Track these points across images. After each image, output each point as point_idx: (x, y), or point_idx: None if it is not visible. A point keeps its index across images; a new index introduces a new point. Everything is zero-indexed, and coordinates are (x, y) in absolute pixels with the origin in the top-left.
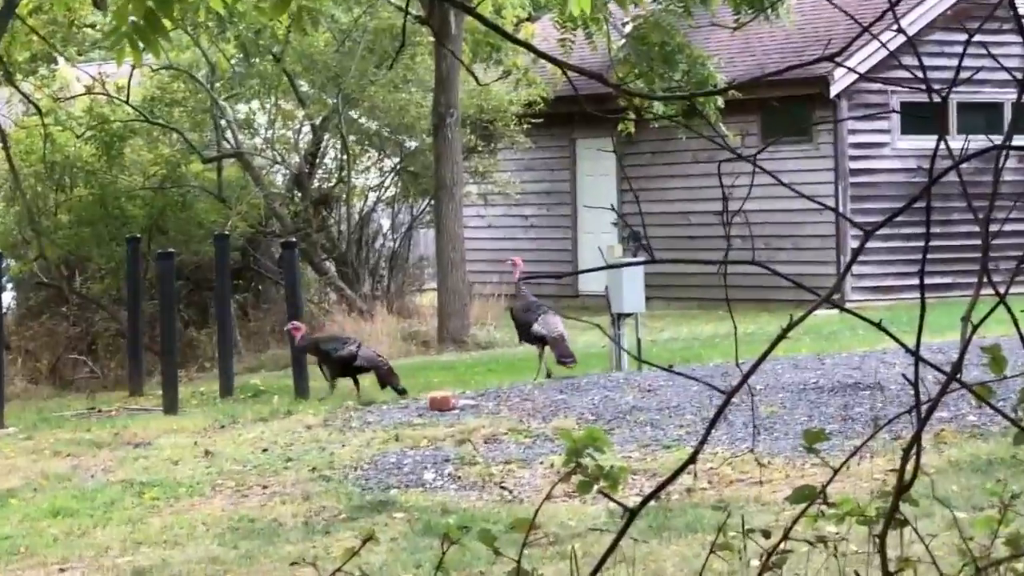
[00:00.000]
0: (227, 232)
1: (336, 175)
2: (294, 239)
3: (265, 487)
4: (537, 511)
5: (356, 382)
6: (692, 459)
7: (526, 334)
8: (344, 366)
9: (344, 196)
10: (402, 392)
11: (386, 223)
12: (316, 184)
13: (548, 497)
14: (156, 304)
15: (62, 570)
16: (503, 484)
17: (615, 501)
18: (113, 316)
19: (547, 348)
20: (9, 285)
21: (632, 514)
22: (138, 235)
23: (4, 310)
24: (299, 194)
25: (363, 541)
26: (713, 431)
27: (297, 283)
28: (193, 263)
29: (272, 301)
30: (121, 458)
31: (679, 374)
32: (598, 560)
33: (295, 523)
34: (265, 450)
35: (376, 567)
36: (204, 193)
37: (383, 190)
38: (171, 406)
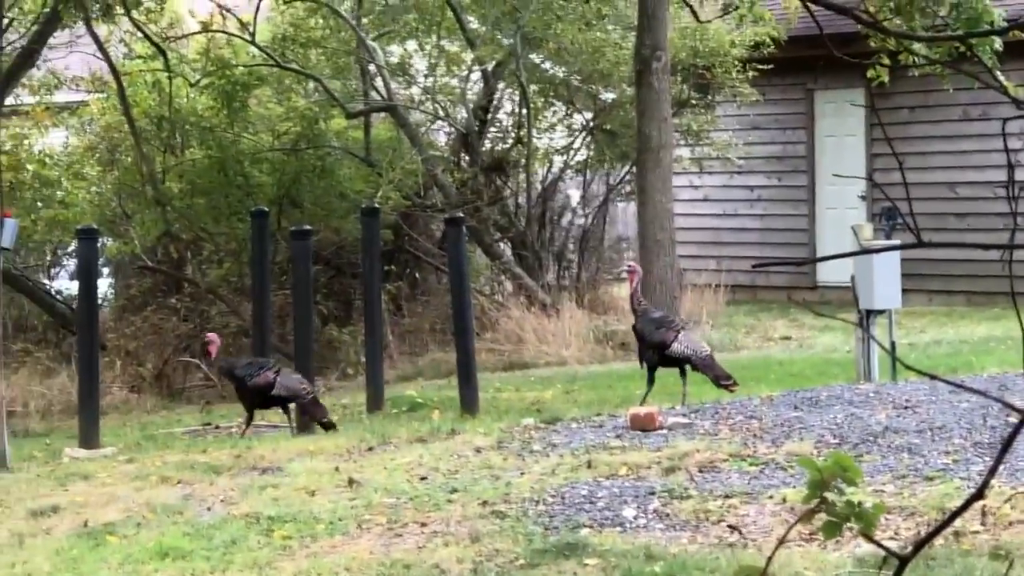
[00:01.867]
0: (376, 205)
1: (513, 134)
2: (460, 214)
3: (424, 525)
4: (771, 558)
5: (286, 411)
6: (979, 495)
7: (661, 356)
8: (260, 395)
9: (523, 161)
10: (328, 427)
11: (575, 195)
12: (488, 146)
13: (783, 541)
14: (287, 294)
15: None
16: (724, 523)
17: (882, 547)
18: (234, 309)
19: (684, 371)
20: (106, 270)
21: (903, 563)
22: (265, 208)
23: (100, 301)
24: (467, 158)
25: None
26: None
27: (464, 269)
28: (334, 243)
29: (432, 292)
30: (244, 487)
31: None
32: None
33: (461, 570)
34: (424, 478)
35: None
36: (348, 156)
37: (572, 153)
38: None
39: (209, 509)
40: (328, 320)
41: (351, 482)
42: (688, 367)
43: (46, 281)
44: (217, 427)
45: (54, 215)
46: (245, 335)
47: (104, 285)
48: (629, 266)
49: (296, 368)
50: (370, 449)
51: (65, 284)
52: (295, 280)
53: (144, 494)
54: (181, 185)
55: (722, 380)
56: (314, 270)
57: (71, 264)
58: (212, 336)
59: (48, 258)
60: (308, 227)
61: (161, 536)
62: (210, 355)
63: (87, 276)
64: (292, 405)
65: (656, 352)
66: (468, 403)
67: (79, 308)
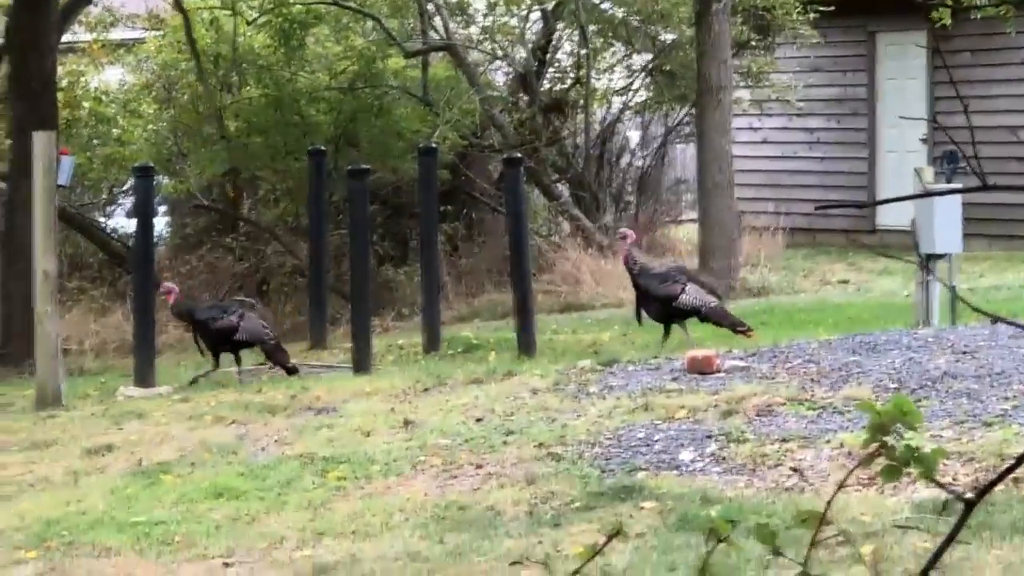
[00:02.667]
0: (434, 145)
1: (572, 75)
2: (519, 154)
3: (479, 467)
4: (829, 503)
5: (237, 358)
6: None
7: (670, 309)
8: (223, 339)
9: (582, 101)
10: (292, 371)
11: (634, 136)
12: (546, 86)
13: (842, 485)
14: (344, 234)
15: (226, 564)
16: (781, 467)
17: (948, 490)
18: (290, 249)
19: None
20: (162, 209)
21: (969, 507)
22: (322, 147)
23: (155, 240)
24: (525, 98)
25: (608, 537)
26: None
27: (522, 210)
28: (391, 183)
29: (489, 233)
30: (299, 427)
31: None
32: (904, 565)
33: (516, 512)
34: (479, 420)
35: (619, 569)
36: (405, 96)
37: (631, 94)
38: (362, 363)
39: (263, 449)
40: (384, 260)
41: (406, 423)
42: (698, 318)
43: (102, 219)
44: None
45: (110, 153)
46: (301, 275)
47: (160, 223)
48: (621, 232)
49: (352, 308)
50: (426, 390)
51: (121, 222)
52: (351, 220)
53: (198, 433)
54: (238, 124)
55: (738, 327)
56: (371, 210)
57: (127, 202)
58: (168, 286)
59: (104, 196)
60: (365, 166)
61: (215, 475)
62: (170, 301)
63: (143, 214)
64: (245, 350)
65: (664, 305)
66: (525, 344)
67: (135, 247)
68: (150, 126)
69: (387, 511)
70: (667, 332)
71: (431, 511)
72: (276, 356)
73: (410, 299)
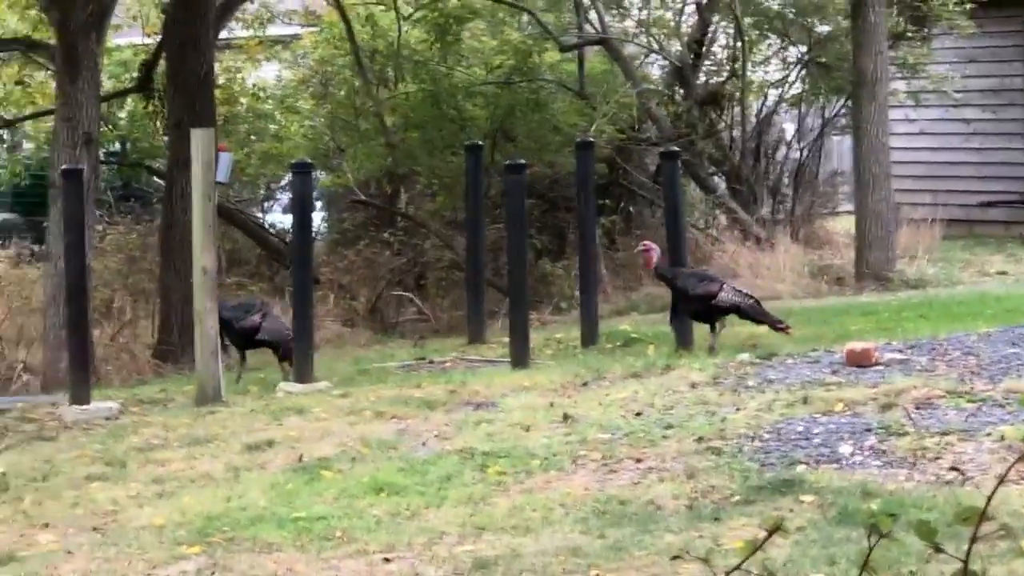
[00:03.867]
0: (591, 139)
1: (728, 67)
2: (675, 148)
3: (639, 461)
4: (990, 497)
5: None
6: None
7: (708, 307)
8: (246, 338)
9: (738, 94)
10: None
11: (790, 128)
12: (702, 79)
13: (1003, 479)
14: (501, 228)
15: (387, 559)
16: (941, 460)
17: None
18: (447, 243)
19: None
20: (319, 204)
21: None
22: (479, 142)
23: (313, 235)
24: (681, 91)
25: (769, 532)
26: None
27: (679, 203)
28: (548, 177)
29: (646, 226)
30: (459, 422)
31: None
32: None
33: (676, 507)
34: (639, 414)
35: (779, 563)
36: (562, 90)
37: (787, 87)
38: (520, 357)
39: (424, 444)
40: (542, 254)
41: (566, 417)
42: (737, 315)
43: (260, 215)
44: (431, 361)
45: (268, 148)
46: (458, 269)
47: (317, 219)
48: (644, 245)
49: (510, 302)
50: (584, 384)
51: (278, 218)
52: (509, 214)
53: (358, 429)
54: (394, 119)
55: (777, 325)
56: (528, 204)
57: (284, 198)
58: None
59: (262, 192)
60: (522, 161)
61: (376, 471)
62: None
63: (301, 210)
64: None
65: (703, 303)
66: (683, 338)
67: (293, 242)
68: (307, 122)
69: (547, 506)
70: (713, 329)
71: (591, 505)
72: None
73: (568, 293)
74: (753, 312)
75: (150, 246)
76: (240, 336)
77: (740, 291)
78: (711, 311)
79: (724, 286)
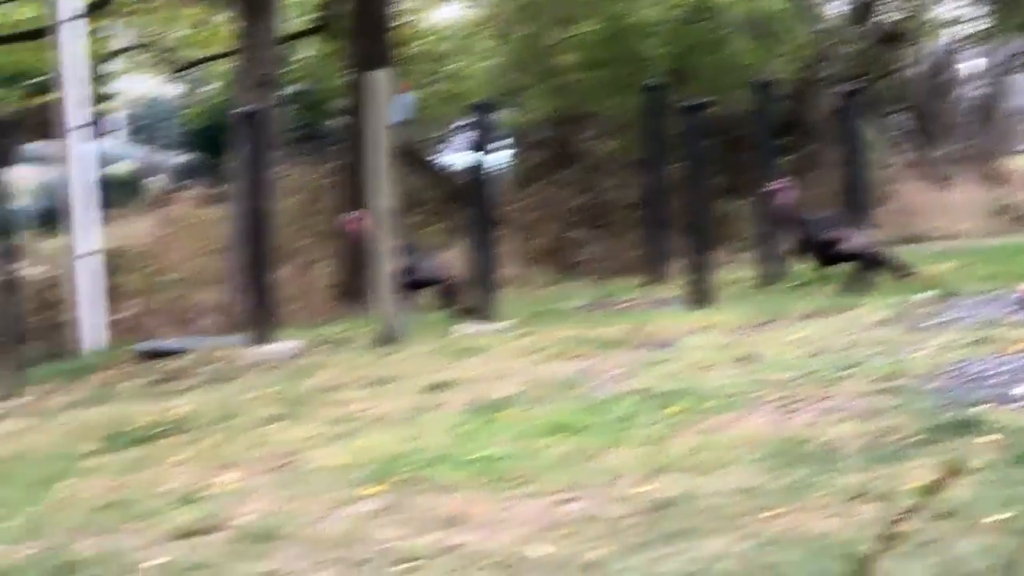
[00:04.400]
0: (770, 79)
1: (906, 6)
2: (854, 86)
3: (816, 401)
4: None
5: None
6: None
7: (832, 254)
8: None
9: (917, 31)
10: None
11: (970, 66)
12: (881, 17)
13: None
14: (681, 168)
15: (565, 500)
16: None
17: None
18: (627, 183)
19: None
20: (499, 144)
21: None
22: (658, 81)
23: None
24: (860, 30)
25: (948, 474)
26: None
27: (858, 142)
28: (728, 117)
29: (825, 165)
30: (638, 362)
31: None
32: None
33: (854, 447)
34: (817, 354)
35: (957, 504)
36: (740, 29)
37: (967, 24)
38: (700, 297)
39: (603, 384)
40: (722, 193)
41: (744, 358)
42: (862, 263)
43: (440, 155)
44: (611, 302)
45: (447, 89)
46: (638, 209)
47: (498, 159)
48: (779, 183)
49: (689, 242)
50: (763, 324)
51: (461, 157)
52: (688, 154)
53: (538, 369)
54: (574, 58)
55: (901, 270)
56: (708, 143)
57: (464, 138)
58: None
59: (442, 132)
60: (701, 101)
61: (554, 411)
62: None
63: (480, 150)
64: None
65: (828, 249)
66: (858, 278)
67: (472, 182)
68: (487, 62)
69: (725, 446)
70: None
71: (769, 446)
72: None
73: (747, 232)
74: (878, 258)
75: (332, 186)
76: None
77: (866, 237)
78: (834, 258)
79: (848, 232)
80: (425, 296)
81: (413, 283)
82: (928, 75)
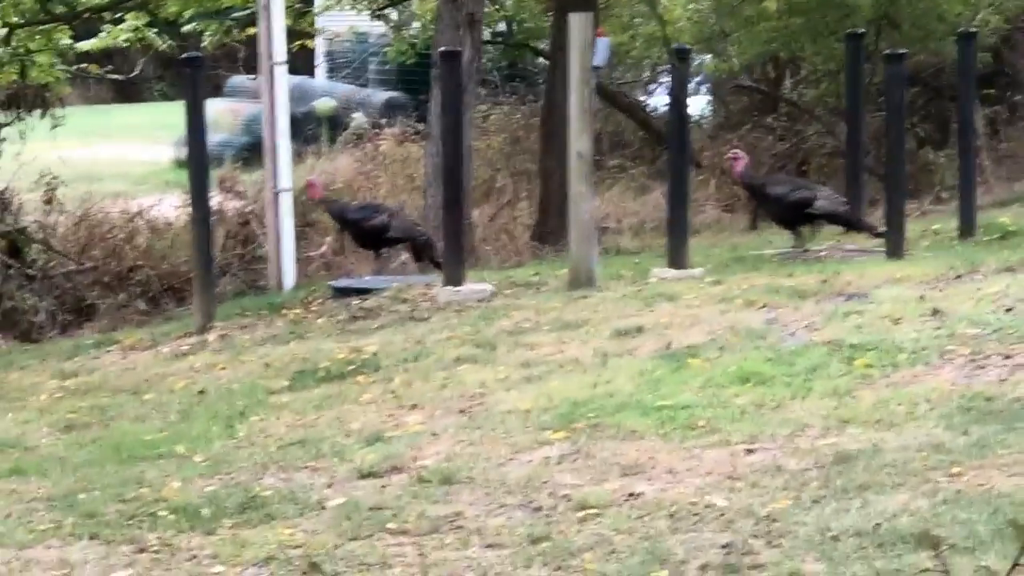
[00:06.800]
0: (974, 29)
1: None
2: None
3: (1008, 357)
4: None
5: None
6: None
7: (803, 214)
8: (375, 237)
9: None
10: (439, 265)
11: None
12: None
13: None
14: (883, 116)
15: (749, 450)
16: None
17: None
18: (829, 130)
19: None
20: (703, 88)
21: None
22: (862, 30)
23: (695, 119)
24: None
25: None
26: None
27: None
28: (932, 66)
29: None
30: (829, 313)
31: None
32: None
33: None
34: (1009, 310)
35: None
36: None
37: None
38: (896, 247)
39: (792, 334)
40: (924, 143)
41: (936, 311)
42: (830, 222)
43: (643, 97)
44: (807, 251)
45: (652, 31)
46: (840, 156)
47: (701, 103)
48: (733, 153)
49: (887, 192)
50: (958, 277)
51: (663, 101)
52: (888, 104)
53: (728, 317)
54: (778, 4)
55: (872, 230)
56: (911, 92)
57: (668, 81)
58: (313, 178)
59: (646, 74)
60: (903, 50)
61: (743, 360)
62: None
63: (679, 94)
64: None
65: (797, 210)
66: None
67: (670, 126)
68: (692, 5)
69: (912, 401)
70: (798, 235)
71: (956, 402)
72: (427, 252)
73: (947, 183)
74: (849, 218)
75: (533, 127)
76: (368, 235)
77: (835, 198)
78: (804, 218)
79: (819, 193)
80: (606, 241)
81: (385, 240)
82: None
